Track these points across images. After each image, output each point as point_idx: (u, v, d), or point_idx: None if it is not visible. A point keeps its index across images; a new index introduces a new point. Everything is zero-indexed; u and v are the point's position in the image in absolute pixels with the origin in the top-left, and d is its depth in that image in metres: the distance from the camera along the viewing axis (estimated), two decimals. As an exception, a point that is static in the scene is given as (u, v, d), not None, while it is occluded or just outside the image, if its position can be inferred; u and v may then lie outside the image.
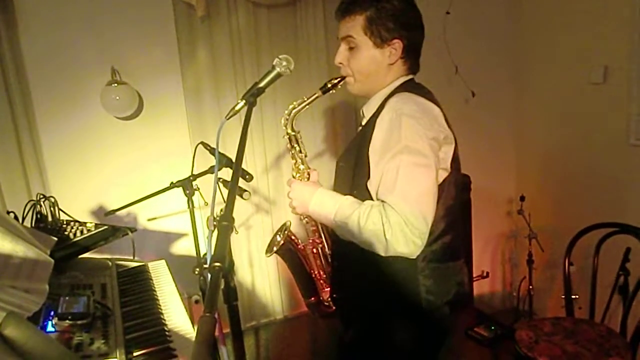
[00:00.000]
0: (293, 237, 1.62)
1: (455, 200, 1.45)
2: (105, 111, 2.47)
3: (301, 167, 1.55)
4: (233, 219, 0.99)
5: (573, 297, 2.41)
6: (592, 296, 2.35)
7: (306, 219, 1.61)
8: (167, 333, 1.29)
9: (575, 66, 2.73)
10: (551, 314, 2.95)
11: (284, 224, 1.63)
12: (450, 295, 1.47)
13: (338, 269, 1.59)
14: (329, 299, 1.64)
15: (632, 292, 2.18)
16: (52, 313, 1.25)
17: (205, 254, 1.58)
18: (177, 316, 1.40)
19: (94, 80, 2.45)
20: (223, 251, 0.86)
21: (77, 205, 2.43)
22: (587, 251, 2.41)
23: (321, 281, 1.64)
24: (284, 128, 1.54)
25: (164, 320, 1.36)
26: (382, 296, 1.45)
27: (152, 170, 2.58)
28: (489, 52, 3.10)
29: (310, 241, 1.64)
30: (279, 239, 1.60)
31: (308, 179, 1.54)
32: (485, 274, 3.23)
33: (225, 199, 0.99)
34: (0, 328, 0.95)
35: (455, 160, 1.42)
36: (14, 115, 2.38)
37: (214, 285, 0.80)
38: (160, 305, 1.46)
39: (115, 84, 2.44)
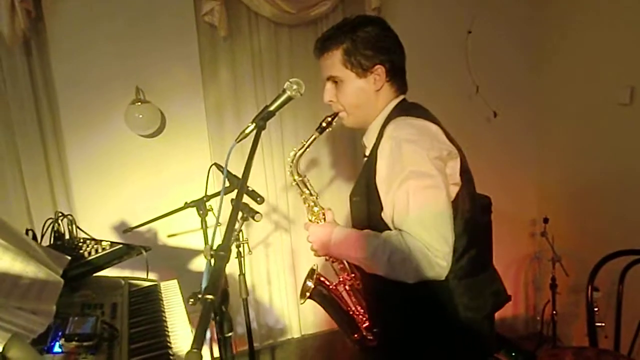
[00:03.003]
0: (323, 279, 1.61)
1: (473, 212, 1.42)
2: (128, 129, 2.53)
3: (315, 209, 1.56)
4: (230, 249, 1.00)
5: (599, 324, 2.32)
6: (617, 325, 2.26)
7: (332, 259, 1.61)
8: (171, 357, 1.30)
9: (601, 87, 2.65)
10: (576, 341, 2.85)
11: (312, 269, 1.62)
12: (489, 308, 1.45)
13: (372, 302, 1.57)
14: (370, 333, 1.61)
15: (659, 324, 2.09)
16: (60, 333, 1.26)
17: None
18: (183, 340, 1.40)
19: (119, 99, 2.52)
20: (217, 283, 0.86)
21: (99, 221, 2.49)
22: (615, 277, 2.32)
23: (360, 316, 1.61)
24: (290, 176, 1.55)
25: (170, 343, 1.37)
26: (422, 322, 1.43)
27: (173, 187, 2.61)
28: (512, 71, 3.03)
29: (341, 279, 1.62)
30: (309, 284, 1.59)
31: (324, 219, 1.54)
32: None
33: (227, 227, 0.99)
34: (4, 350, 0.98)
35: (464, 172, 1.40)
36: (43, 132, 2.46)
37: (205, 320, 0.80)
38: (167, 327, 1.47)
39: (139, 103, 2.50)
